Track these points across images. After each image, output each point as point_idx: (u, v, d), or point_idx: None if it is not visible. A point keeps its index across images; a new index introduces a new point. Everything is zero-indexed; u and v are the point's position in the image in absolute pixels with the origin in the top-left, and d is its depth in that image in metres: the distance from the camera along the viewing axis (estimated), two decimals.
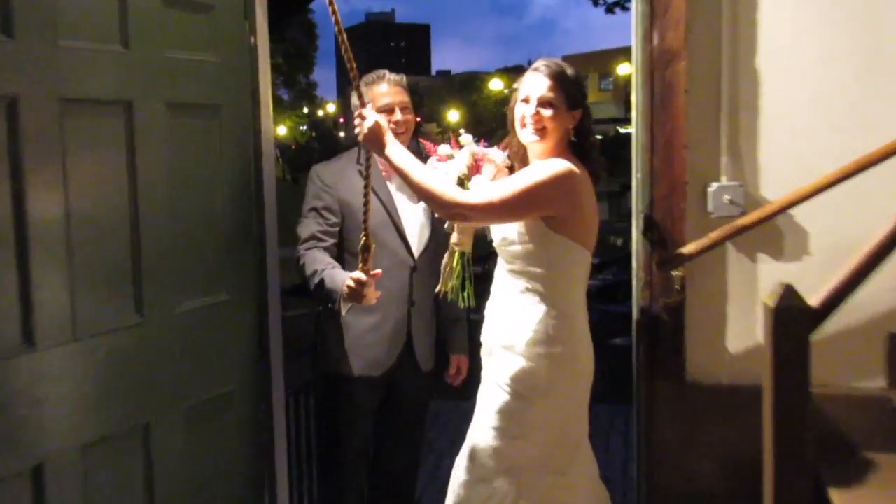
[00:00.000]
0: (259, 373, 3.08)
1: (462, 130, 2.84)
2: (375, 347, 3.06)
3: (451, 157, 2.70)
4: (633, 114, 3.12)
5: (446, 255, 2.76)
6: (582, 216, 2.50)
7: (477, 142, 2.75)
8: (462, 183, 2.65)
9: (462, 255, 2.70)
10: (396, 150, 2.50)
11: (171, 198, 2.72)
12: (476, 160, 2.68)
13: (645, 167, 3.09)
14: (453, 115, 54.45)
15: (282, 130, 46.83)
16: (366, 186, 2.67)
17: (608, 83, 51.51)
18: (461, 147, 2.74)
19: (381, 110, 2.99)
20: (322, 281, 2.90)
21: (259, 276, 3.08)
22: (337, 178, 3.09)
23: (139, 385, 2.63)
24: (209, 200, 2.88)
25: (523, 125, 2.54)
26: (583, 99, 2.56)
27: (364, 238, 2.66)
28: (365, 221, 2.66)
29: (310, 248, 3.02)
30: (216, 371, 2.91)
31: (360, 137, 2.53)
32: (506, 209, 2.39)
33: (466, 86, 55.17)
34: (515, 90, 2.64)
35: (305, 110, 49.17)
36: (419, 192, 2.46)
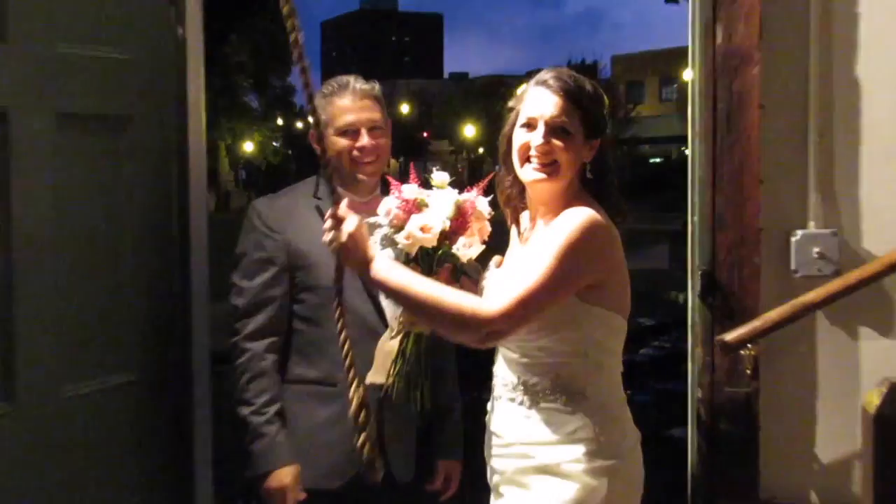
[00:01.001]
0: (179, 478, 3.06)
1: (435, 168, 2.81)
2: (333, 449, 2.98)
3: (419, 205, 2.66)
4: (690, 135, 3.13)
5: (386, 336, 2.72)
6: (620, 276, 2.54)
7: (452, 184, 2.72)
8: (442, 252, 2.62)
9: (419, 338, 2.66)
10: (386, 267, 2.51)
11: (57, 243, 2.71)
12: (463, 214, 2.65)
13: (705, 207, 3.09)
14: (470, 131, 54.99)
15: (249, 147, 47.29)
16: (334, 204, 2.59)
17: (671, 91, 52.17)
18: (430, 190, 2.70)
19: (341, 132, 3.08)
20: (260, 437, 2.94)
21: (181, 348, 3.06)
22: (286, 219, 3.06)
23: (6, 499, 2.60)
24: (112, 246, 2.88)
25: (526, 159, 2.55)
26: (604, 125, 2.58)
27: (338, 310, 2.59)
28: (337, 281, 2.59)
29: (259, 359, 2.99)
30: (118, 479, 2.89)
31: (332, 248, 2.53)
32: (547, 297, 2.43)
33: (488, 93, 55.86)
34: (513, 110, 2.64)
35: (280, 122, 49.78)
36: (430, 320, 2.52)
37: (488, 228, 2.70)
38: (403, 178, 2.74)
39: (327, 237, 2.52)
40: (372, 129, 3.05)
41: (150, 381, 2.97)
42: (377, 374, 2.73)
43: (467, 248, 2.63)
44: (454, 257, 2.63)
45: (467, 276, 2.73)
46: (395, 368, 2.68)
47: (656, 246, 20.58)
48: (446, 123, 56.00)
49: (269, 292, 3.01)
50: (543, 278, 2.40)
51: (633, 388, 9.86)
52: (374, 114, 3.07)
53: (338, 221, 2.51)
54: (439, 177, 2.70)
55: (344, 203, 2.55)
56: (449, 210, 2.62)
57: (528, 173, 2.55)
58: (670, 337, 12.26)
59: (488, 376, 2.70)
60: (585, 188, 2.59)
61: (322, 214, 2.80)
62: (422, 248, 2.60)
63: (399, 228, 2.61)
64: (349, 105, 3.04)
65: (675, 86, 50.37)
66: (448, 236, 2.61)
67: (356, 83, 3.08)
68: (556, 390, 2.51)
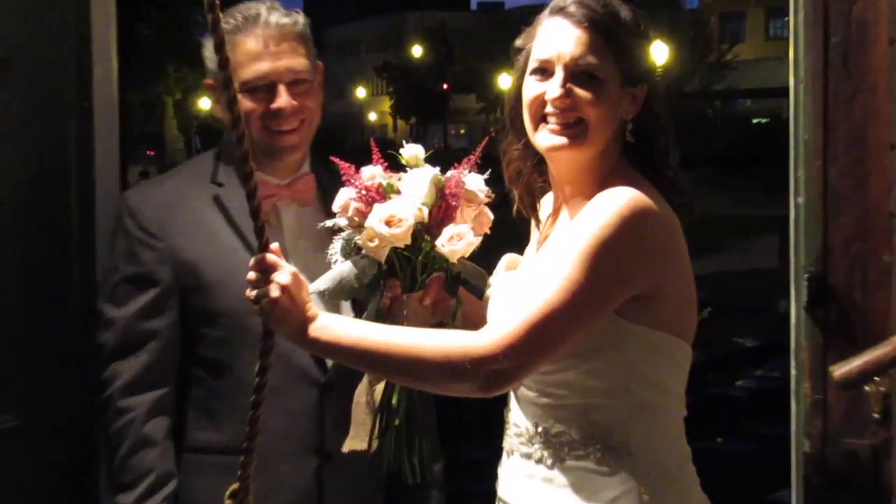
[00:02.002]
0: None
1: (405, 141, 2.81)
2: None
3: (387, 190, 2.67)
4: (791, 82, 3.14)
5: (363, 385, 2.77)
6: (681, 284, 2.55)
7: (430, 158, 2.75)
8: (424, 254, 2.62)
9: None
10: (330, 324, 2.50)
11: None
12: (446, 197, 2.66)
13: (812, 185, 3.11)
14: (506, 81, 55.04)
15: (205, 104, 47.59)
16: (260, 237, 2.51)
17: (781, 26, 51.92)
18: (406, 170, 2.72)
19: (248, 89, 3.01)
20: None
21: (79, 383, 3.07)
22: (171, 217, 3.02)
23: None
24: None
25: (540, 118, 2.56)
26: (650, 67, 2.64)
27: (264, 340, 2.57)
28: (264, 354, 2.55)
29: (141, 422, 2.94)
30: None
31: (259, 310, 2.50)
32: (571, 321, 2.43)
33: None
34: (521, 51, 2.66)
35: None
36: (408, 378, 2.53)
37: (489, 215, 2.71)
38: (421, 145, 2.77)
39: (251, 293, 2.49)
40: (294, 84, 2.99)
41: (38, 427, 3.00)
42: (356, 439, 2.74)
43: (455, 243, 2.61)
44: (444, 261, 2.62)
45: (469, 287, 2.74)
46: (379, 427, 2.68)
47: (761, 238, 20.65)
48: (474, 71, 56.09)
49: (148, 324, 2.97)
50: (565, 294, 2.40)
51: (727, 433, 9.93)
52: (297, 60, 3.01)
53: (266, 270, 2.48)
54: (410, 150, 2.71)
55: (274, 246, 2.52)
56: (425, 193, 2.62)
57: (544, 138, 2.55)
58: (779, 363, 12.20)
59: (489, 423, 2.72)
60: (628, 159, 2.59)
61: (224, 208, 2.86)
62: (396, 253, 2.60)
63: (362, 227, 2.61)
64: (259, 49, 2.97)
65: (787, 19, 50.22)
66: (429, 229, 2.61)
67: (270, 15, 3.00)
68: (588, 442, 2.51)
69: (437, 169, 2.69)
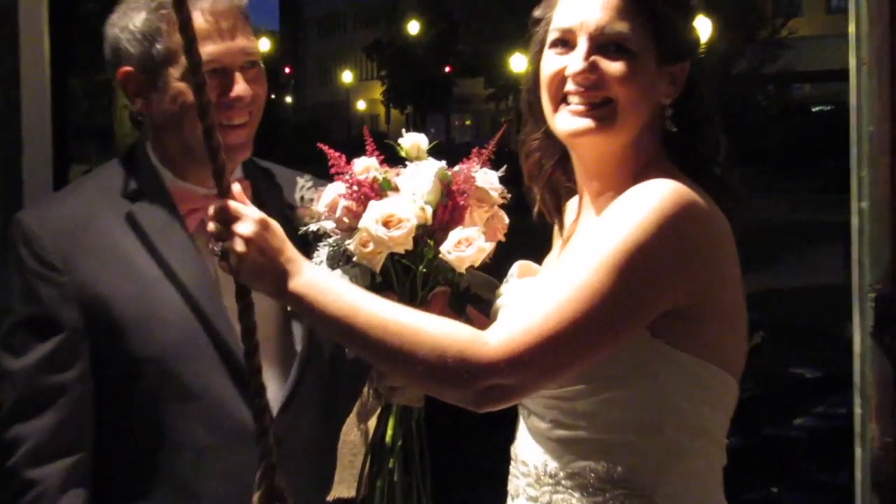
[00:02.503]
0: None
1: (404, 131, 2.81)
2: None
3: (384, 186, 2.66)
4: (853, 63, 3.16)
5: (350, 422, 2.82)
6: (725, 302, 2.55)
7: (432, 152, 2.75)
8: (426, 262, 2.62)
9: (405, 415, 2.70)
10: (318, 280, 2.52)
11: None
12: (453, 195, 2.66)
13: (880, 186, 3.13)
14: (520, 62, 55.12)
15: None
16: (219, 180, 2.54)
17: None
18: (406, 164, 2.72)
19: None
20: None
21: None
22: (75, 244, 2.98)
23: None
24: None
25: (559, 98, 2.59)
26: (694, 40, 2.66)
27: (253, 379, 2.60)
28: (244, 318, 2.57)
29: (51, 497, 2.88)
30: None
31: (224, 266, 2.53)
32: (591, 335, 2.44)
33: None
34: (540, 22, 2.67)
35: None
36: (393, 366, 2.54)
37: (504, 219, 2.72)
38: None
39: (215, 247, 2.52)
40: (248, 68, 3.01)
41: None
42: (342, 484, 2.81)
43: (463, 248, 2.61)
44: (449, 271, 2.63)
45: (479, 303, 2.74)
46: (369, 470, 2.70)
47: (824, 249, 20.67)
48: (481, 52, 56.16)
49: (54, 377, 2.91)
50: (587, 303, 2.40)
51: (783, 481, 9.91)
52: (249, 40, 3.03)
53: (226, 220, 2.50)
54: (411, 139, 2.73)
55: (236, 188, 2.53)
56: (428, 189, 2.62)
57: (564, 120, 2.57)
58: (845, 399, 12.19)
59: (491, 460, 2.71)
60: (667, 150, 2.59)
61: (140, 228, 2.84)
62: (394, 261, 2.61)
63: (353, 230, 2.61)
64: (209, 26, 2.96)
65: None
66: (433, 233, 2.61)
67: None
68: (607, 487, 2.51)
69: (443, 163, 2.70)
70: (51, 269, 2.92)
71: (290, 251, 2.53)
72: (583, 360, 2.44)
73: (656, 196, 2.43)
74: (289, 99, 79.02)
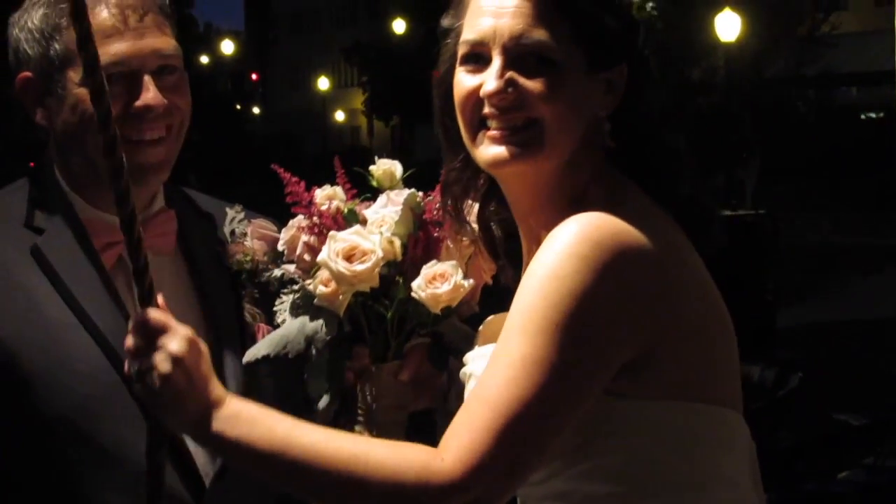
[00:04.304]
0: None
1: (379, 157, 2.82)
2: None
3: (349, 219, 2.68)
4: None
5: None
6: (690, 331, 2.50)
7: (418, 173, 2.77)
8: (396, 305, 2.61)
9: None
10: (243, 413, 2.47)
11: None
12: (427, 226, 2.67)
13: None
14: None
15: None
16: (141, 284, 2.49)
17: None
18: (375, 197, 2.73)
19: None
20: None
21: None
22: None
23: None
24: None
25: (476, 123, 2.55)
26: (630, 35, 2.59)
27: None
28: (151, 454, 2.58)
29: None
30: None
31: (139, 389, 2.47)
32: (548, 421, 2.40)
33: None
34: (449, 34, 2.64)
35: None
36: (335, 498, 2.49)
37: (488, 264, 2.74)
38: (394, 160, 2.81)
39: (131, 366, 2.45)
40: (162, 73, 2.95)
41: None
42: None
43: (437, 285, 2.61)
44: (425, 316, 2.63)
45: (461, 357, 2.71)
46: None
47: (873, 276, 20.57)
48: None
49: None
50: (527, 379, 2.34)
51: None
52: (165, 40, 2.97)
53: (150, 334, 2.43)
54: (382, 166, 2.75)
55: (159, 298, 2.48)
56: (396, 219, 2.64)
57: (484, 149, 2.52)
58: None
59: None
60: (617, 165, 2.56)
61: (46, 263, 2.80)
62: (363, 306, 2.61)
63: (314, 268, 2.62)
64: (115, 23, 2.91)
65: None
66: (404, 271, 2.62)
67: None
68: None
69: (415, 190, 2.72)
70: None
71: (216, 381, 2.47)
72: (546, 445, 2.39)
73: (574, 241, 2.38)
74: (256, 109, 78.54)
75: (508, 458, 2.35)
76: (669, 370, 2.45)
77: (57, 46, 2.84)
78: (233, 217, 3.00)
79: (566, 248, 2.35)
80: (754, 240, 12.60)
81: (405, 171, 2.86)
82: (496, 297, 2.72)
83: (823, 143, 38.48)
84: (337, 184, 2.74)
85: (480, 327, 2.72)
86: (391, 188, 2.73)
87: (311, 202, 2.72)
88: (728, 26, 30.35)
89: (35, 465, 2.90)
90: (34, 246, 2.89)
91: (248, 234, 2.80)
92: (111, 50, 2.86)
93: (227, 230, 3.01)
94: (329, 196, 2.70)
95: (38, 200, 2.96)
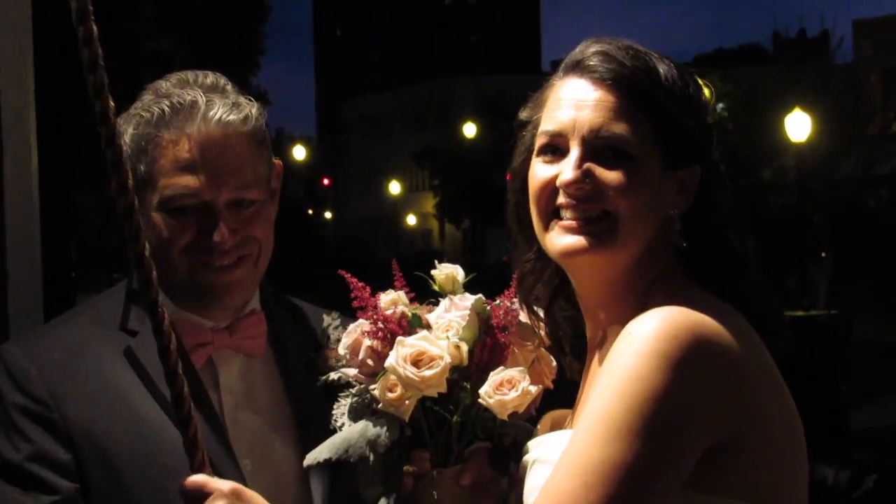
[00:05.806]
0: None
1: (439, 261, 2.79)
2: None
3: (413, 323, 2.66)
4: None
5: None
6: (765, 430, 2.48)
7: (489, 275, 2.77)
8: (462, 410, 2.60)
9: None
10: None
11: None
12: (493, 332, 2.64)
13: None
14: None
15: None
16: (189, 439, 2.52)
17: None
18: (440, 299, 2.72)
19: (169, 207, 2.92)
20: None
21: None
22: (65, 378, 2.97)
23: None
24: None
25: (550, 212, 2.58)
26: (704, 138, 2.59)
27: None
28: None
29: None
30: None
31: None
32: None
33: None
34: (526, 126, 2.67)
35: None
36: None
37: (551, 361, 2.71)
38: (458, 256, 2.75)
39: None
40: (238, 206, 2.93)
41: None
42: None
43: (505, 392, 2.57)
44: (490, 421, 2.60)
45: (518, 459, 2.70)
46: None
47: None
48: None
49: None
50: (608, 485, 2.31)
51: None
52: (245, 173, 2.94)
53: (196, 498, 2.48)
54: (444, 270, 2.73)
55: (204, 479, 2.50)
56: (464, 324, 2.62)
57: (556, 238, 2.53)
58: None
59: None
60: (683, 265, 2.56)
61: (139, 364, 2.84)
62: (425, 409, 2.59)
63: (377, 376, 2.60)
64: (192, 155, 2.88)
65: None
66: (470, 376, 2.59)
67: (211, 106, 2.89)
68: None
69: (480, 296, 2.69)
70: (41, 403, 2.89)
71: None
72: None
73: (658, 333, 2.37)
74: (328, 214, 79.05)
75: None
76: (747, 467, 2.42)
77: (142, 168, 2.85)
78: (328, 323, 3.02)
79: (644, 346, 2.34)
80: (828, 340, 12.59)
81: (476, 272, 2.84)
82: (551, 392, 2.72)
83: None
84: (396, 287, 2.73)
85: (543, 421, 2.72)
86: (453, 292, 2.71)
87: (375, 307, 2.71)
88: (799, 127, 30.48)
89: None
90: (128, 348, 2.95)
91: (342, 342, 2.81)
92: (184, 182, 2.86)
93: (322, 336, 3.03)
94: (394, 301, 2.69)
95: (135, 304, 2.99)
